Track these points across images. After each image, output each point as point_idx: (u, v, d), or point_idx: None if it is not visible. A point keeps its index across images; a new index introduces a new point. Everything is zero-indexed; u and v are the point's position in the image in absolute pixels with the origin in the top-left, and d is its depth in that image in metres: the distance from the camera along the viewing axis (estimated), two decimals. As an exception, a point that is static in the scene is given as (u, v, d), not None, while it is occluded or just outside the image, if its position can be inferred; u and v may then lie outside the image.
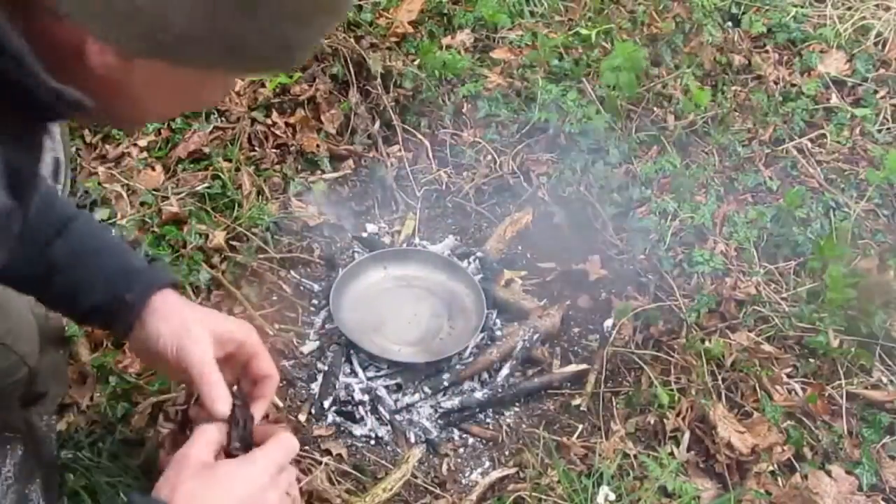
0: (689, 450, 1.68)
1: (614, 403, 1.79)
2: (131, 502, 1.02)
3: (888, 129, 2.36)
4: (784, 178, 2.23)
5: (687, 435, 1.69)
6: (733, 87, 2.45)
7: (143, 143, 2.16)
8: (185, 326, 1.07)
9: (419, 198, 2.21)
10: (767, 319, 1.89)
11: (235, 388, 1.10)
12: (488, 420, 1.81)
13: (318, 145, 2.22)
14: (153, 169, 2.11)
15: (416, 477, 1.65)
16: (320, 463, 1.61)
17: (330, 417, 1.76)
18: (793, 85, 2.47)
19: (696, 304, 1.90)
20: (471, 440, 1.78)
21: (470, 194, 2.22)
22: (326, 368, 1.84)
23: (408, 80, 2.32)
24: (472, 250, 2.13)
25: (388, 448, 1.73)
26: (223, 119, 2.23)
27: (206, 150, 2.15)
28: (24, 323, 1.34)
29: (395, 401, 1.80)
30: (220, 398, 1.04)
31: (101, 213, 1.97)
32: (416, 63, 2.37)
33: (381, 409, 1.77)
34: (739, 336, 1.86)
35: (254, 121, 2.23)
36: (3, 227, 0.77)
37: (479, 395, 1.81)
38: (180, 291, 1.17)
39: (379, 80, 2.29)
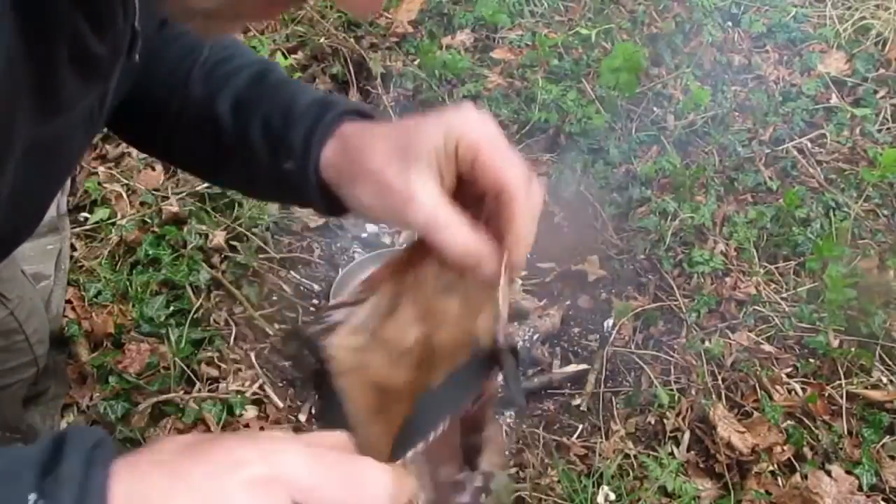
0: (689, 450, 1.68)
1: (614, 403, 1.79)
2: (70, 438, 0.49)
3: (888, 128, 2.36)
4: (784, 178, 2.23)
5: (687, 435, 1.69)
6: (733, 87, 2.45)
7: (143, 143, 2.16)
8: (405, 139, 0.66)
9: (419, 198, 2.21)
10: (767, 319, 1.89)
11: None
12: (488, 420, 1.81)
13: (318, 145, 2.22)
14: (153, 169, 2.11)
15: (416, 477, 1.65)
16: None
17: (330, 417, 1.76)
18: (793, 85, 2.47)
19: (696, 304, 1.90)
20: (471, 440, 1.77)
21: (470, 194, 2.22)
22: (326, 368, 1.84)
23: (408, 80, 2.32)
24: (472, 250, 2.13)
25: (388, 448, 1.73)
26: (223, 119, 2.22)
27: (207, 150, 2.14)
28: (43, 326, 1.34)
29: (395, 401, 1.79)
30: (475, 244, 0.63)
31: (100, 213, 1.98)
32: (416, 63, 2.37)
33: (381, 409, 1.77)
34: (739, 336, 1.86)
35: (254, 121, 2.22)
36: None
37: (479, 395, 1.81)
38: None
39: (379, 80, 2.29)
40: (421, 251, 0.66)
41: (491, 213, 0.65)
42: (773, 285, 1.97)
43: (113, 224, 1.96)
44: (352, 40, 2.36)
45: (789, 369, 1.82)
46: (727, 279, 1.96)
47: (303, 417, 1.73)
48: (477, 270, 0.63)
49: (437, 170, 0.64)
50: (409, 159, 0.64)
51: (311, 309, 1.97)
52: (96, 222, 1.97)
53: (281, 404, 1.73)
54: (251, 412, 1.70)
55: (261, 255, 1.97)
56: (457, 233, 0.62)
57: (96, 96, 0.70)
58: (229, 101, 0.80)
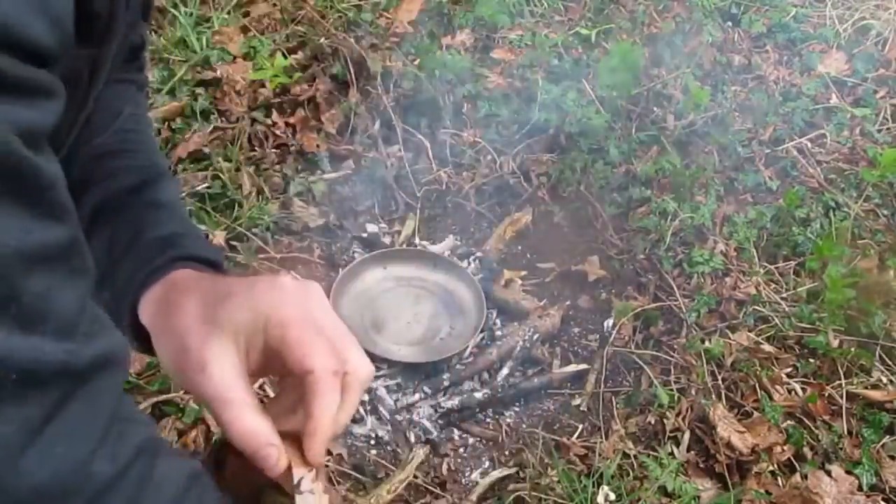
0: (689, 450, 1.68)
1: (614, 403, 1.79)
2: None
3: (888, 128, 2.36)
4: (784, 178, 2.23)
5: (687, 435, 1.69)
6: (733, 87, 2.45)
7: (143, 143, 2.16)
8: (196, 322, 0.63)
9: (419, 198, 2.21)
10: (767, 319, 1.89)
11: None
12: (488, 420, 1.81)
13: (318, 145, 2.22)
14: (153, 169, 2.11)
15: (416, 477, 1.65)
16: (320, 463, 1.61)
17: (330, 417, 1.76)
18: (793, 85, 2.47)
19: (696, 304, 1.90)
20: (471, 440, 1.78)
21: (470, 194, 2.22)
22: (326, 368, 1.84)
23: (408, 80, 2.32)
24: (472, 250, 2.14)
25: (388, 448, 1.73)
26: (223, 119, 2.23)
27: (206, 150, 2.15)
28: None
29: (395, 401, 1.80)
30: (263, 436, 0.59)
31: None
32: (416, 63, 2.37)
33: (381, 408, 1.78)
34: (739, 336, 1.86)
35: (254, 121, 2.23)
36: None
37: (479, 395, 1.81)
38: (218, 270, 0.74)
39: (379, 80, 2.29)
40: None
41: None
42: (773, 285, 1.97)
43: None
44: (352, 40, 2.36)
45: (789, 369, 1.82)
46: (727, 279, 1.96)
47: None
48: (257, 459, 0.58)
49: (241, 344, 0.61)
50: (212, 328, 0.61)
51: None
52: (96, 222, 1.97)
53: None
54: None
55: (261, 255, 1.97)
56: (240, 414, 0.58)
57: (86, 60, 0.64)
58: (95, 201, 0.77)
